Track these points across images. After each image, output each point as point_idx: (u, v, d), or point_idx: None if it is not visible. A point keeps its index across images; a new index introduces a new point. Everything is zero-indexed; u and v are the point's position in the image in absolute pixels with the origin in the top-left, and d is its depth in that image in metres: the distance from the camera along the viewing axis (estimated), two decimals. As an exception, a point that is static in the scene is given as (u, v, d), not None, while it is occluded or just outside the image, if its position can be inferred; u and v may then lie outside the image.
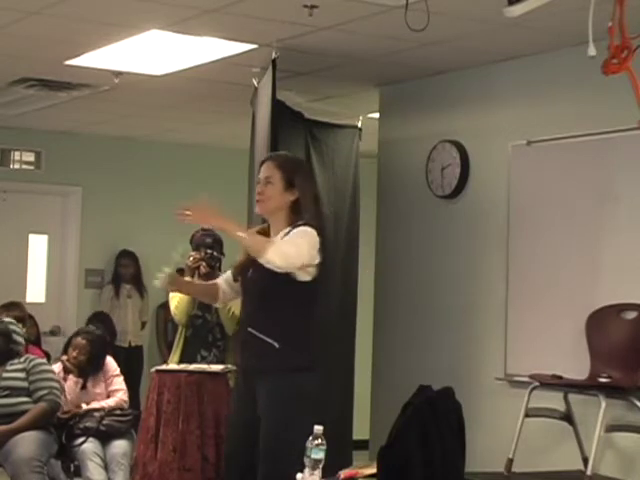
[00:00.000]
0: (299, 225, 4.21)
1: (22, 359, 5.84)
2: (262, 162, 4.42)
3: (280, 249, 4.08)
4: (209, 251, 5.91)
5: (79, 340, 6.21)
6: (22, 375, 5.74)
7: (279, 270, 4.08)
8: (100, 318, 8.69)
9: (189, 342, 5.98)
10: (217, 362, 5.90)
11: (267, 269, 4.15)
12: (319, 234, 4.24)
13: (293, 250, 4.09)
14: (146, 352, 9.25)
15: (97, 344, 6.27)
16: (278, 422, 4.12)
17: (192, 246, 6.04)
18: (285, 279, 4.15)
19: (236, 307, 5.77)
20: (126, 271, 9.12)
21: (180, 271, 5.52)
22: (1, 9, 5.23)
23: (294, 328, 4.19)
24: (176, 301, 5.99)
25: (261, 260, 4.07)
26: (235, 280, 4.47)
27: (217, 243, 6.00)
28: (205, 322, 5.96)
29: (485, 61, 6.03)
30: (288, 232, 4.21)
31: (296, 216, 4.25)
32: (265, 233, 4.33)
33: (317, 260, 4.21)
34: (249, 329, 4.22)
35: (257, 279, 4.25)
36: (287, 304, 4.19)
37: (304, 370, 4.18)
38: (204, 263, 5.87)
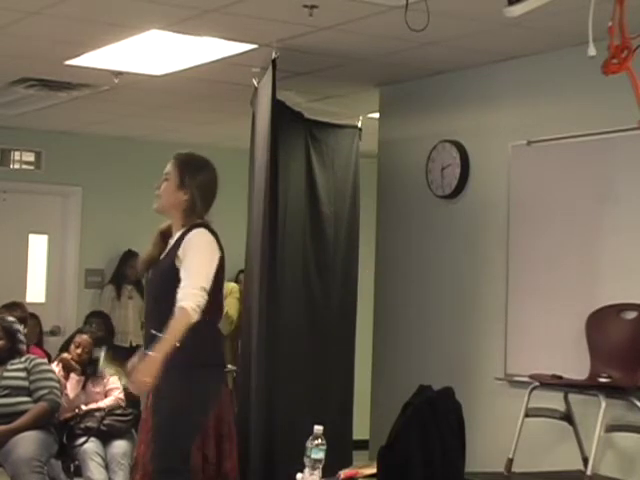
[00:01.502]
0: (192, 227, 4.23)
1: (23, 359, 5.85)
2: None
3: (193, 301, 4.04)
4: None
5: (84, 337, 6.22)
6: (23, 375, 5.75)
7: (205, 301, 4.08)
8: (98, 317, 8.69)
9: None
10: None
11: (159, 270, 4.25)
12: (207, 228, 4.27)
13: (197, 282, 4.08)
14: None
15: (100, 343, 6.29)
16: (162, 417, 4.16)
17: None
18: (176, 276, 4.15)
19: (229, 307, 5.78)
20: (132, 272, 9.13)
21: None
22: (1, 9, 5.23)
23: (192, 326, 4.10)
24: None
25: (195, 318, 4.05)
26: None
27: None
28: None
29: (485, 61, 6.03)
30: (182, 234, 4.23)
31: (188, 217, 4.28)
32: (170, 230, 4.35)
33: (217, 257, 4.24)
34: (151, 330, 4.20)
35: (152, 280, 4.32)
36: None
37: (201, 367, 4.17)
38: None
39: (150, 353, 4.03)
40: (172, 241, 4.29)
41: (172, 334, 4.03)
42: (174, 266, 4.18)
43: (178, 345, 4.03)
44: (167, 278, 4.18)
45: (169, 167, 4.40)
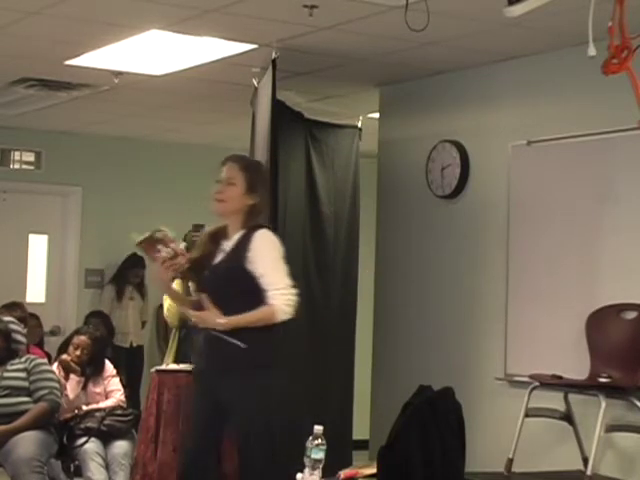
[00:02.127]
0: (254, 228, 4.24)
1: (23, 359, 5.84)
2: (224, 162, 4.42)
3: (282, 301, 4.12)
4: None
5: (82, 338, 6.21)
6: (23, 375, 5.74)
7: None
8: (98, 317, 8.69)
9: (183, 342, 5.97)
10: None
11: (222, 272, 4.23)
12: (270, 229, 4.33)
13: (282, 281, 4.15)
14: (146, 352, 9.25)
15: (99, 343, 6.28)
16: (245, 419, 4.14)
17: (185, 246, 6.02)
18: (242, 278, 4.17)
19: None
20: (134, 280, 9.13)
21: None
22: (1, 9, 5.23)
23: (255, 327, 4.15)
24: (168, 304, 5.99)
25: (282, 317, 4.14)
26: (191, 279, 4.51)
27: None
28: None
29: (485, 61, 6.03)
30: (244, 235, 4.22)
31: (251, 219, 4.28)
32: (222, 232, 4.33)
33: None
34: (212, 332, 4.19)
35: (214, 280, 4.27)
36: (247, 304, 4.17)
37: (268, 367, 4.19)
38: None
39: (220, 316, 4.10)
40: (230, 243, 4.27)
41: (249, 319, 4.12)
42: (242, 268, 4.17)
43: (243, 347, 4.08)
44: (234, 280, 4.18)
45: (231, 172, 4.30)
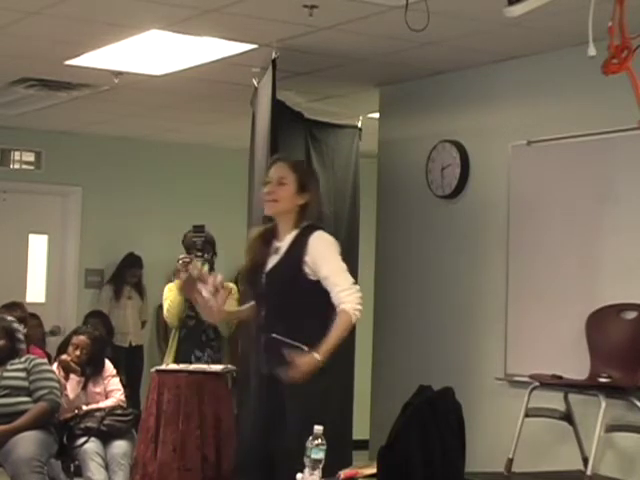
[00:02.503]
0: (309, 230, 4.23)
1: (23, 359, 5.85)
2: (273, 162, 4.41)
3: (353, 301, 4.11)
4: (199, 254, 5.85)
5: (81, 338, 6.21)
6: (23, 375, 5.75)
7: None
8: (97, 316, 8.70)
9: (183, 342, 5.98)
10: (212, 362, 5.90)
11: (280, 273, 4.21)
12: (323, 229, 4.32)
13: (347, 281, 4.15)
14: (146, 352, 9.25)
15: (99, 342, 6.29)
16: (305, 422, 4.11)
17: (184, 247, 6.03)
18: (300, 281, 4.17)
19: (229, 308, 5.78)
20: (132, 280, 9.14)
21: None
22: (1, 9, 5.23)
23: (316, 329, 4.14)
24: (167, 304, 5.99)
25: (357, 317, 4.12)
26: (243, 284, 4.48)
27: (208, 244, 5.99)
28: (198, 322, 5.94)
29: (485, 61, 6.03)
30: (297, 236, 4.21)
31: (302, 218, 4.26)
32: (272, 232, 4.32)
33: None
34: (273, 335, 4.17)
35: (272, 284, 4.24)
36: (306, 306, 4.18)
37: (328, 370, 4.18)
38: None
39: (313, 353, 4.02)
40: (283, 244, 4.24)
41: (336, 337, 4.06)
42: (301, 270, 4.16)
43: (305, 349, 4.04)
44: (293, 284, 4.17)
45: (282, 171, 4.27)
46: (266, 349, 4.24)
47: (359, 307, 4.12)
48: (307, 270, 4.18)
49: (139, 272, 9.15)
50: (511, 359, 5.80)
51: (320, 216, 4.44)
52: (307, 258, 4.16)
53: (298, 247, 4.19)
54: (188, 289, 4.40)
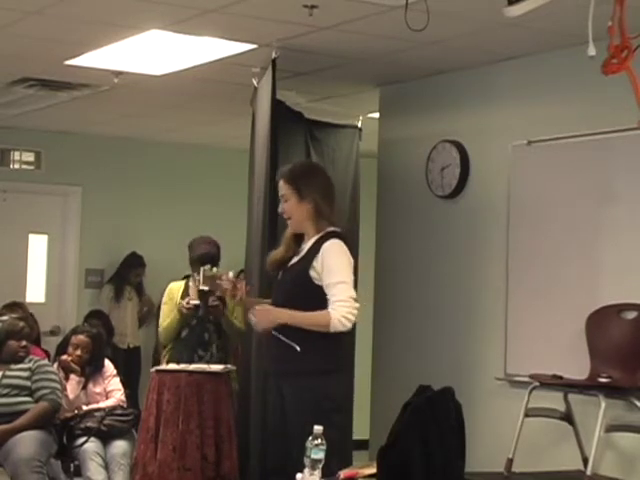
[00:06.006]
0: (326, 237, 4.27)
1: (27, 359, 5.86)
2: (277, 180, 4.51)
3: (342, 312, 4.15)
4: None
5: (81, 338, 6.21)
6: (26, 374, 5.76)
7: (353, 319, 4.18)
8: (97, 316, 8.69)
9: (185, 342, 5.96)
10: (215, 361, 5.89)
11: (291, 275, 4.28)
12: (340, 237, 4.32)
13: (345, 293, 4.18)
14: (143, 353, 9.23)
15: (98, 341, 6.29)
16: (301, 424, 4.12)
17: (191, 253, 5.99)
18: (308, 283, 4.22)
19: (239, 313, 5.79)
20: (135, 279, 9.14)
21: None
22: (1, 9, 5.23)
23: (315, 332, 4.20)
24: (167, 323, 5.97)
25: (337, 329, 4.18)
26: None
27: (217, 250, 5.97)
28: (200, 322, 5.93)
29: (485, 61, 6.02)
30: (316, 242, 4.27)
31: (319, 221, 4.32)
32: (300, 237, 4.38)
33: (352, 266, 4.32)
34: (273, 332, 4.25)
35: (283, 282, 4.30)
36: (308, 308, 4.22)
37: (326, 373, 4.22)
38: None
39: (277, 309, 4.23)
40: (305, 246, 4.32)
41: (302, 318, 4.17)
42: (307, 274, 4.22)
43: (299, 350, 4.14)
44: (298, 284, 4.23)
45: (281, 189, 4.38)
46: (266, 346, 4.32)
47: (347, 317, 4.16)
48: (313, 274, 4.24)
49: (142, 271, 9.15)
50: (511, 359, 5.80)
51: (328, 216, 4.40)
52: (315, 263, 4.23)
53: (313, 251, 4.28)
54: (211, 284, 4.58)
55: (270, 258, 4.54)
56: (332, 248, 4.25)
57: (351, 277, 4.27)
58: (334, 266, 4.22)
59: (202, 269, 4.64)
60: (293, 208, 4.33)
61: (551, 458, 5.45)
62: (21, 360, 5.85)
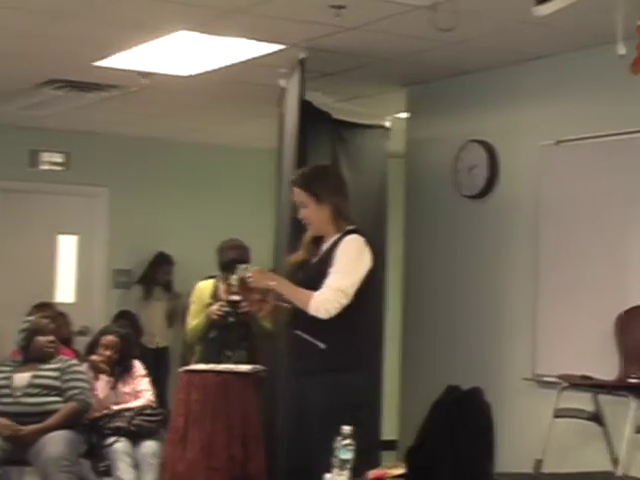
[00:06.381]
0: (346, 233, 4.28)
1: (57, 359, 5.90)
2: (291, 186, 4.51)
3: (325, 298, 4.16)
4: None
5: (110, 338, 6.23)
6: (56, 374, 5.79)
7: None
8: (126, 316, 8.72)
9: (213, 342, 5.97)
10: (242, 362, 5.90)
11: (311, 274, 4.28)
12: (361, 235, 4.31)
13: (338, 283, 4.17)
14: (172, 353, 9.25)
15: (127, 341, 6.31)
16: (324, 422, 4.12)
17: (220, 257, 5.99)
18: (324, 280, 4.20)
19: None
20: (164, 278, 9.17)
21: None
22: (31, 12, 5.27)
23: (339, 329, 4.20)
24: (195, 324, 5.99)
25: (309, 312, 4.19)
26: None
27: (247, 254, 5.98)
28: (229, 323, 5.95)
29: (513, 60, 6.00)
30: (337, 239, 4.27)
31: (339, 222, 4.32)
32: (319, 239, 4.39)
33: (367, 265, 4.27)
34: (296, 331, 4.27)
35: (304, 281, 4.30)
36: None
37: (349, 370, 4.21)
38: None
39: (272, 274, 4.41)
40: (325, 246, 4.34)
41: (289, 290, 4.24)
42: (327, 273, 4.22)
43: (322, 347, 4.16)
44: (318, 283, 4.21)
45: (298, 195, 4.38)
46: (289, 344, 4.34)
47: (326, 307, 4.14)
48: (330, 270, 4.24)
49: (171, 269, 9.18)
50: (540, 359, 5.78)
51: (346, 215, 4.40)
52: (333, 261, 4.24)
53: (333, 248, 4.28)
54: (244, 291, 4.53)
55: (289, 261, 4.54)
56: (346, 242, 4.27)
57: (353, 270, 4.23)
58: (339, 257, 4.23)
59: (234, 278, 4.56)
60: (313, 213, 4.34)
61: (580, 459, 5.42)
62: (51, 356, 5.88)
